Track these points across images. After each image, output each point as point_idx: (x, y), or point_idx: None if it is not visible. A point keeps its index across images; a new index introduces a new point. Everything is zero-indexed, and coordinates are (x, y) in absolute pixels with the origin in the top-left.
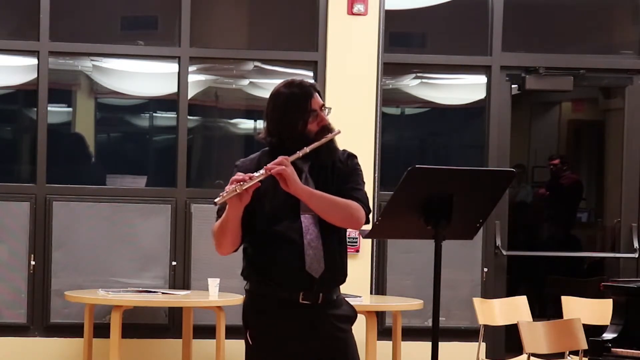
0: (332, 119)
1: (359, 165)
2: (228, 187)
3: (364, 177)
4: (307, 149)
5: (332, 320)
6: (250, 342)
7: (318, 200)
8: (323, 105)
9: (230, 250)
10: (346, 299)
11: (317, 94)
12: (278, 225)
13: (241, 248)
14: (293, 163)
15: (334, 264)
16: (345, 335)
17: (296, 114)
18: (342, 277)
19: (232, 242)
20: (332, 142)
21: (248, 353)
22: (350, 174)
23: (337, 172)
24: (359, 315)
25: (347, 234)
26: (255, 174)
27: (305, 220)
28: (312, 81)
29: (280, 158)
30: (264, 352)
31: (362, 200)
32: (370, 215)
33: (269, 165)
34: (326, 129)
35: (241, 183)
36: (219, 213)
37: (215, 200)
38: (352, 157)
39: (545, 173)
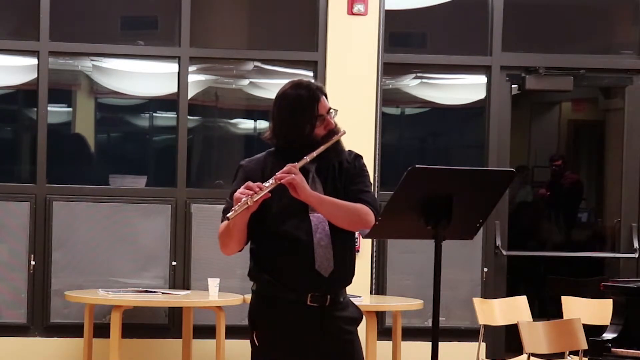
0: (336, 120)
1: (366, 167)
2: (237, 194)
3: (370, 179)
4: (314, 153)
5: (339, 322)
6: (257, 343)
7: (328, 206)
8: (330, 108)
9: (235, 251)
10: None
11: (324, 97)
12: (286, 225)
13: (247, 248)
14: (300, 166)
15: (343, 264)
16: (351, 337)
17: (303, 119)
18: (350, 277)
19: (237, 243)
20: (338, 142)
21: (254, 354)
22: (357, 175)
23: (344, 172)
24: None
25: None
26: (265, 184)
27: (315, 219)
28: (319, 83)
29: (288, 166)
30: (271, 354)
31: (371, 203)
32: None
33: (278, 175)
34: (333, 132)
35: (251, 196)
36: (225, 212)
37: (228, 215)
38: (359, 157)
39: (545, 173)
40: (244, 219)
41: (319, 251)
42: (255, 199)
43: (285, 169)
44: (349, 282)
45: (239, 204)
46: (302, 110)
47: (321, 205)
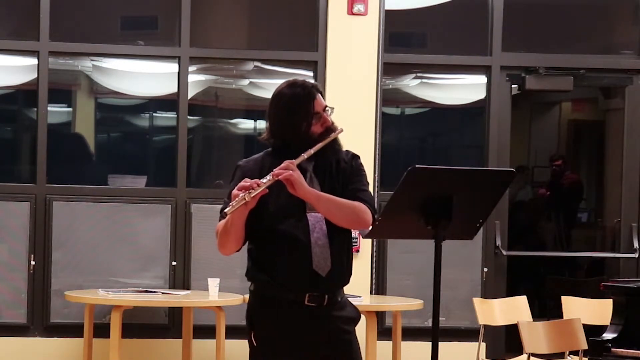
0: (333, 119)
1: (363, 166)
2: (235, 191)
3: (368, 178)
4: (311, 151)
5: (337, 322)
6: (255, 344)
7: (326, 203)
8: (326, 106)
9: (233, 250)
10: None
11: (319, 95)
12: (283, 224)
13: (245, 249)
14: (298, 164)
15: (340, 263)
16: (349, 336)
17: (299, 117)
18: (347, 277)
19: (235, 243)
20: (336, 140)
21: (252, 354)
22: (354, 174)
23: (342, 171)
24: None
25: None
26: (263, 180)
27: (312, 218)
28: (314, 82)
29: (286, 163)
30: (269, 354)
31: (369, 202)
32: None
33: (275, 171)
34: (330, 129)
35: (249, 191)
36: (223, 212)
37: (226, 210)
38: (356, 157)
39: (545, 173)
40: (242, 216)
41: (316, 251)
42: (253, 195)
43: (282, 165)
44: (347, 281)
45: (237, 199)
46: (299, 109)
47: (318, 201)
